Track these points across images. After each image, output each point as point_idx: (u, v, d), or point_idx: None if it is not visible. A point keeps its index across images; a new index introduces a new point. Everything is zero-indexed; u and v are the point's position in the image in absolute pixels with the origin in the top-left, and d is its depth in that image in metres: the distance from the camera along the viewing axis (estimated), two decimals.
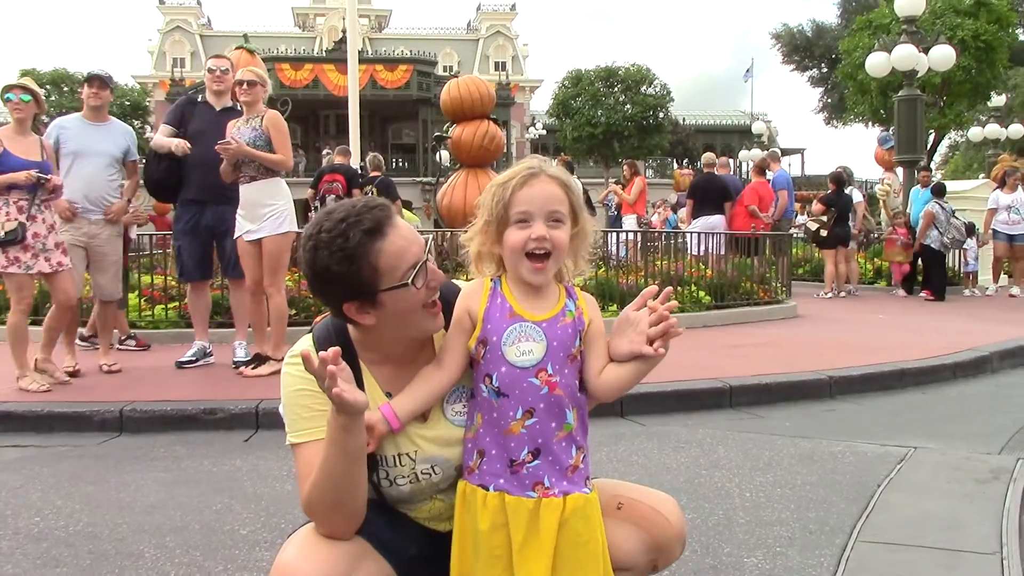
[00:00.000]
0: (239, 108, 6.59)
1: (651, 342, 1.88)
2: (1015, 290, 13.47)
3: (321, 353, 1.66)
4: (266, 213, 6.16)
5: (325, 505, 1.85)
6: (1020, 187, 13.62)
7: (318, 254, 1.84)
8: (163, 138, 6.65)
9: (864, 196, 14.74)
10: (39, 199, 5.81)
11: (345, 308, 1.89)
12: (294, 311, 7.28)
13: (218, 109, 6.72)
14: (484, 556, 1.88)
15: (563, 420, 1.90)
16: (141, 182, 6.98)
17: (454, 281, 2.15)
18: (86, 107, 6.59)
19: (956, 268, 14.32)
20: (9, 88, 5.97)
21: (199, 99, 6.89)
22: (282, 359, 2.03)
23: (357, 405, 1.72)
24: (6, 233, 5.63)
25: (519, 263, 1.91)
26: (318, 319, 2.10)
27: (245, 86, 6.28)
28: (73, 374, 6.25)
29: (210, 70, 6.77)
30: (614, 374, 1.93)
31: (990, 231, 13.66)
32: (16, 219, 5.68)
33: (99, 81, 6.59)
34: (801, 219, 15.53)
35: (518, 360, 1.88)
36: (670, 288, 1.93)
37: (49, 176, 5.80)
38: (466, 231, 2.01)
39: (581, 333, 1.94)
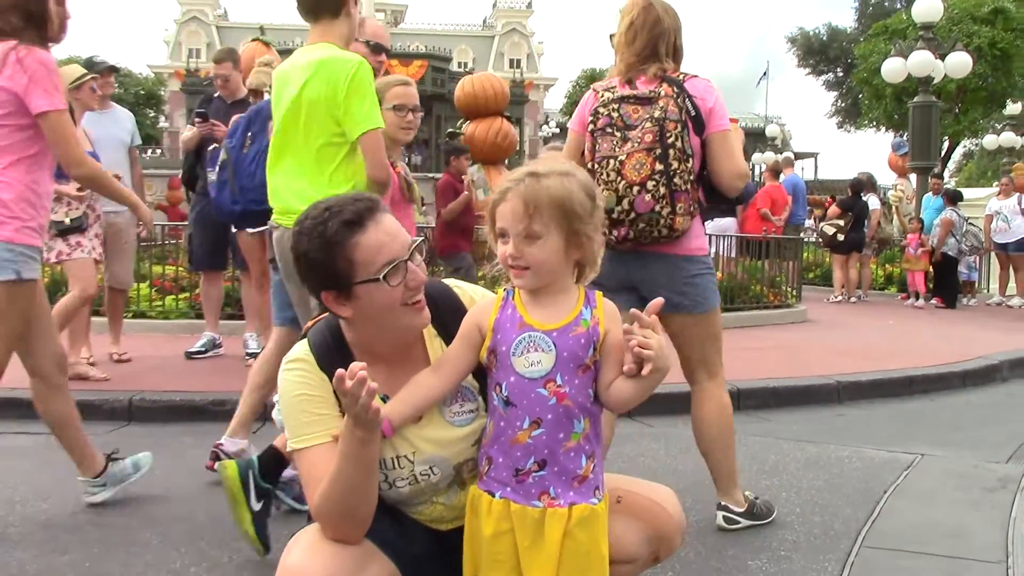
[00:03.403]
0: (250, 101, 6.70)
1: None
2: (1015, 301, 13.14)
3: (360, 374, 1.66)
4: None
5: (336, 513, 1.86)
6: (1016, 194, 13.20)
7: (299, 240, 1.90)
8: (186, 135, 6.83)
9: (882, 203, 14.48)
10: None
11: (323, 296, 1.93)
12: None
13: (229, 102, 6.81)
14: (487, 561, 1.89)
15: (571, 430, 1.88)
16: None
17: (452, 282, 2.15)
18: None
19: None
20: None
21: (215, 95, 7.00)
22: None
23: (381, 419, 1.76)
24: (71, 220, 5.55)
25: (507, 271, 1.92)
26: (310, 324, 2.10)
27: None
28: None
29: (214, 76, 6.94)
30: (621, 388, 1.87)
31: (991, 239, 13.41)
32: (79, 208, 5.61)
33: (108, 69, 6.69)
34: (808, 223, 15.34)
35: (526, 371, 1.87)
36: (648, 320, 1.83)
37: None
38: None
39: (596, 343, 1.88)
